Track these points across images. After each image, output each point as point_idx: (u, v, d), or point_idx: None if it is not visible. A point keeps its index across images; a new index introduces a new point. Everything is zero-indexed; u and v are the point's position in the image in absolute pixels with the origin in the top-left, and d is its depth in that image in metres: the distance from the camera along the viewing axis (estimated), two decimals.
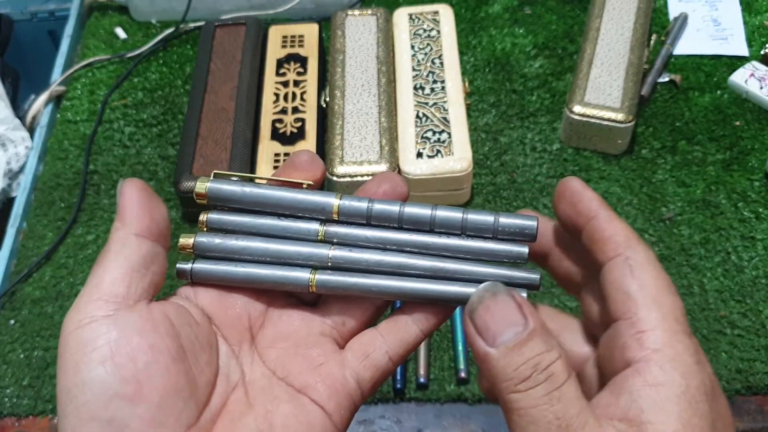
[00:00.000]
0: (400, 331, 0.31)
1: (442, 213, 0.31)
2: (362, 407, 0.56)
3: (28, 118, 0.77)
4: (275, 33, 0.77)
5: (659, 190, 0.67)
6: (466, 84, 0.73)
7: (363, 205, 0.31)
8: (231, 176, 0.32)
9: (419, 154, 0.65)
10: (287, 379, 0.30)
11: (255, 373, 0.30)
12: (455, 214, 0.31)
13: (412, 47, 0.74)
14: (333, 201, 0.31)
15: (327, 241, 0.31)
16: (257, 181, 0.33)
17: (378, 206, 0.31)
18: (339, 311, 0.32)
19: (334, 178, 0.64)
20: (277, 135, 0.68)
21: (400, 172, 0.65)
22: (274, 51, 0.75)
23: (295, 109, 0.70)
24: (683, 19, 0.80)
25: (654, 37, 0.78)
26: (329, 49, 0.76)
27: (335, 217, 0.31)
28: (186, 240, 0.31)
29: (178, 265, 0.31)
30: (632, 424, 0.25)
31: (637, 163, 0.69)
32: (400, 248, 0.31)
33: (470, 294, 0.29)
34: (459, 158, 0.64)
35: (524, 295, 0.29)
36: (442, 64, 0.72)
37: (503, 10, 0.83)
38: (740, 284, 0.61)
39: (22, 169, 0.75)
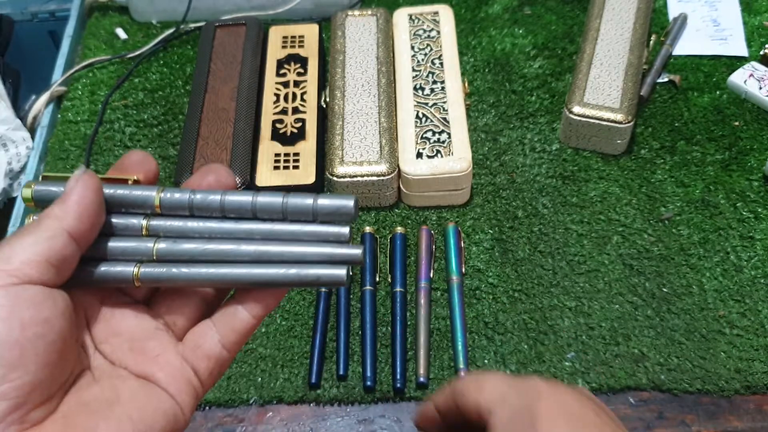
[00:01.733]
0: (232, 320, 0.32)
1: (263, 199, 0.31)
2: (362, 406, 0.57)
3: (29, 118, 0.77)
4: (275, 33, 0.77)
5: (658, 190, 0.68)
6: (466, 84, 0.73)
7: (184, 196, 0.31)
8: (58, 177, 0.32)
9: (419, 155, 0.65)
10: (128, 368, 0.31)
11: (97, 360, 0.31)
12: (275, 199, 0.31)
13: (412, 48, 0.75)
14: (153, 194, 0.31)
15: (152, 234, 0.32)
16: None
17: (199, 196, 0.31)
18: (172, 307, 0.33)
19: (334, 178, 0.65)
20: (277, 135, 0.68)
21: (400, 172, 0.65)
22: (275, 51, 0.75)
23: (296, 110, 0.70)
24: (683, 20, 0.80)
25: (653, 37, 0.78)
26: (329, 49, 0.76)
27: (158, 210, 0.31)
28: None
29: None
30: None
31: (636, 163, 0.70)
32: (226, 237, 0.31)
33: (296, 274, 0.30)
34: (459, 158, 0.65)
35: (344, 271, 0.30)
36: (441, 64, 0.73)
37: (503, 11, 0.83)
38: (739, 284, 0.61)
39: (23, 169, 0.75)
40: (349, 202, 0.31)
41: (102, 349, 0.31)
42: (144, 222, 0.32)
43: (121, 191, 0.31)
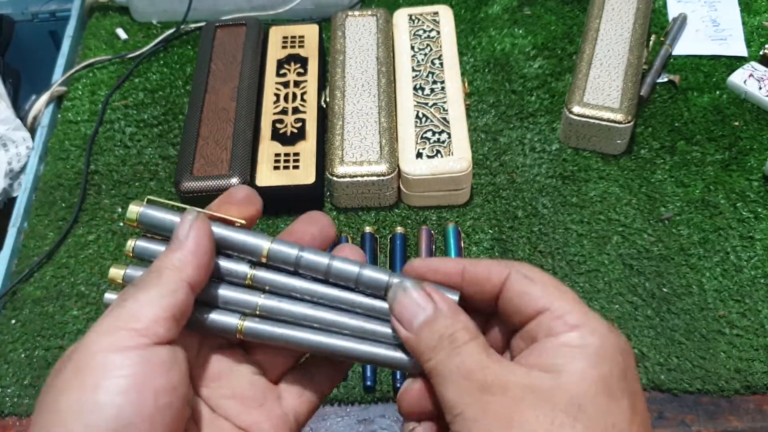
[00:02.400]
0: (328, 368, 0.32)
1: (368, 273, 0.31)
2: (362, 406, 0.57)
3: (29, 118, 0.77)
4: (276, 34, 0.77)
5: (658, 190, 0.68)
6: (466, 84, 0.73)
7: (293, 252, 0.31)
8: (163, 203, 0.32)
9: (419, 155, 0.65)
10: (230, 419, 0.30)
11: (197, 405, 0.30)
12: (380, 276, 0.31)
13: (412, 48, 0.75)
14: (264, 245, 0.31)
15: (256, 287, 0.31)
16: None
17: (307, 256, 0.31)
18: (268, 353, 0.32)
19: (334, 178, 0.65)
20: (277, 135, 0.68)
21: (400, 172, 0.65)
22: (275, 51, 0.75)
23: (296, 110, 0.70)
24: (682, 20, 0.80)
25: (653, 37, 0.79)
26: (329, 49, 0.76)
27: (264, 260, 0.31)
28: (116, 272, 0.31)
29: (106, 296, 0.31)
30: (544, 369, 0.27)
31: (636, 163, 0.70)
32: (329, 304, 0.31)
33: (391, 357, 0.31)
34: (458, 158, 0.65)
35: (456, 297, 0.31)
36: (441, 64, 0.73)
37: (503, 11, 0.83)
38: (739, 284, 0.61)
39: (23, 169, 0.75)
40: (454, 297, 0.31)
41: (202, 393, 0.31)
42: (250, 272, 0.31)
43: (232, 235, 0.31)
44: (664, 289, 0.61)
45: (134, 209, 0.31)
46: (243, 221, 0.32)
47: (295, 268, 0.31)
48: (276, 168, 0.65)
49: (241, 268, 0.31)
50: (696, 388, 0.56)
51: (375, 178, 0.64)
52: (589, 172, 0.69)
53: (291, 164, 0.66)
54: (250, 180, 0.65)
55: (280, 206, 0.67)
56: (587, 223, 0.66)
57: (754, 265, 0.62)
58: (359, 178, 0.64)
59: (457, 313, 0.30)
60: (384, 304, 0.31)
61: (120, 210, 0.68)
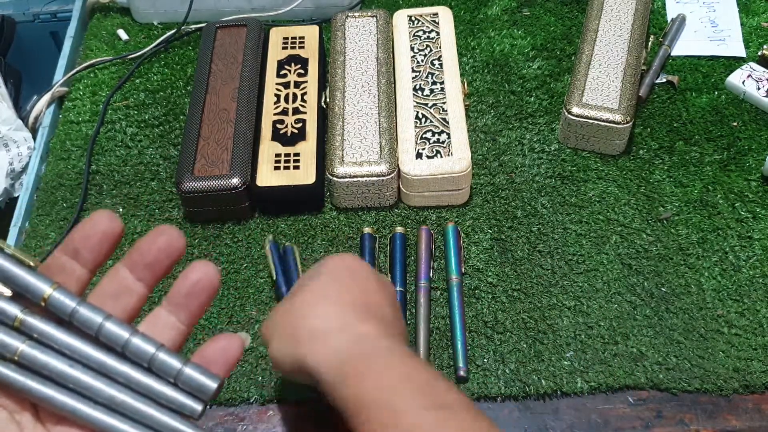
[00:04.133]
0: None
1: (137, 342, 0.31)
2: None
3: (31, 118, 0.77)
4: (276, 34, 0.77)
5: (657, 190, 0.68)
6: (465, 85, 0.73)
7: (71, 303, 0.31)
8: None
9: (419, 155, 0.66)
10: None
11: None
12: (148, 348, 0.31)
13: (412, 48, 0.75)
14: (46, 289, 0.31)
15: (24, 332, 0.31)
16: None
17: (83, 311, 0.31)
18: (18, 403, 0.32)
19: (334, 178, 0.65)
20: (277, 135, 0.68)
21: (399, 172, 0.66)
22: (275, 52, 0.75)
23: (296, 110, 0.70)
24: (681, 21, 0.80)
25: (652, 38, 0.79)
26: (329, 50, 0.77)
27: (43, 303, 0.31)
28: None
29: None
30: None
31: (634, 163, 0.70)
32: (91, 366, 0.31)
33: None
34: (458, 159, 0.65)
35: None
36: (441, 65, 0.73)
37: (502, 12, 0.83)
38: (737, 284, 0.62)
39: (24, 169, 0.75)
40: (212, 385, 0.31)
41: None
42: (21, 315, 0.31)
43: (16, 272, 0.31)
44: (663, 289, 0.62)
45: None
46: (33, 263, 0.32)
47: (70, 318, 0.31)
48: (276, 168, 0.66)
49: (12, 308, 0.31)
50: (695, 388, 0.57)
51: (375, 178, 0.65)
52: (588, 172, 0.69)
53: (291, 164, 0.66)
54: (250, 180, 0.65)
55: (281, 206, 0.67)
56: (586, 222, 0.66)
57: (752, 264, 0.63)
58: (359, 179, 0.65)
59: None
60: (145, 379, 0.31)
61: (121, 210, 0.69)
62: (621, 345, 0.59)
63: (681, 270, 0.63)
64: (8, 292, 0.31)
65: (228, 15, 0.81)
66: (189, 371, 0.31)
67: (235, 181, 0.64)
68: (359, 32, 0.76)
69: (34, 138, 0.76)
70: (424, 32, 0.76)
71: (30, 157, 0.75)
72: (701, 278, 0.62)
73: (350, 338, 0.41)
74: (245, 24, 0.78)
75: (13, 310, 0.31)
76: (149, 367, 0.32)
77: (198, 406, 0.32)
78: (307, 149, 0.67)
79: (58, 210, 0.70)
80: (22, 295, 0.31)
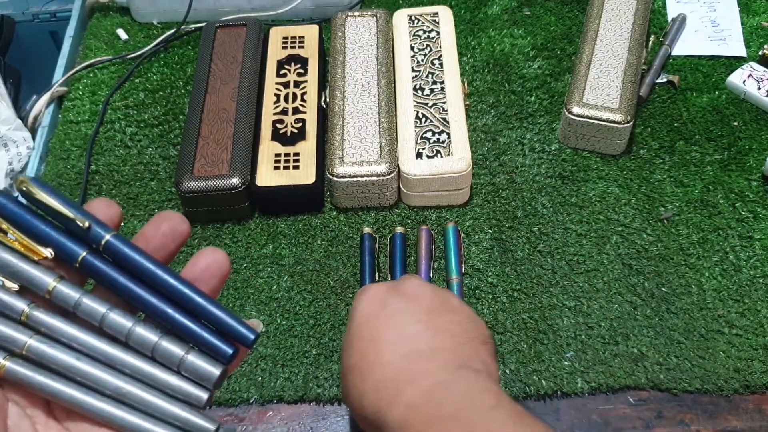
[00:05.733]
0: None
1: (140, 332, 0.31)
2: None
3: (30, 118, 0.77)
4: (276, 34, 0.77)
5: (657, 190, 0.68)
6: (466, 85, 0.73)
7: (75, 295, 0.31)
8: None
9: (419, 155, 0.66)
10: None
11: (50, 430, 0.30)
12: (151, 337, 0.31)
13: (412, 48, 0.75)
14: (50, 282, 0.31)
15: (30, 326, 0.31)
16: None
17: (86, 302, 0.31)
18: (28, 398, 0.32)
19: (334, 178, 0.65)
20: (277, 135, 0.68)
21: (399, 172, 0.66)
22: (275, 52, 0.75)
23: (296, 110, 0.70)
24: (681, 20, 0.80)
25: (652, 38, 0.79)
26: (329, 50, 0.77)
27: (47, 296, 0.31)
28: None
29: None
30: None
31: (635, 163, 0.70)
32: (97, 357, 0.31)
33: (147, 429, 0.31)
34: (458, 158, 0.65)
35: None
36: (441, 65, 0.73)
37: (502, 12, 0.83)
38: (738, 284, 0.62)
39: (23, 169, 0.75)
40: (215, 371, 0.31)
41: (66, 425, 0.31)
42: (27, 310, 0.31)
43: (21, 266, 0.31)
44: (663, 289, 0.62)
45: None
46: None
47: (74, 310, 0.31)
48: (276, 168, 0.66)
49: (19, 303, 0.31)
50: (695, 388, 0.57)
51: (375, 178, 0.65)
52: (589, 172, 0.69)
53: (291, 164, 0.66)
54: (250, 180, 0.65)
55: (280, 206, 0.67)
56: (586, 222, 0.66)
57: (753, 264, 0.63)
58: (359, 178, 0.65)
59: None
60: (150, 368, 0.32)
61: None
62: (621, 345, 0.59)
63: (681, 270, 0.63)
64: (15, 287, 0.31)
65: (228, 14, 0.81)
66: (191, 359, 0.31)
67: (234, 180, 0.64)
68: (359, 32, 0.76)
69: (34, 138, 0.76)
70: (424, 32, 0.76)
71: (29, 156, 0.74)
72: (702, 278, 0.62)
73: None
74: (245, 23, 0.78)
75: (20, 304, 0.31)
76: (153, 356, 0.32)
77: (204, 395, 0.31)
78: (307, 149, 0.67)
79: None
80: (27, 289, 0.31)
